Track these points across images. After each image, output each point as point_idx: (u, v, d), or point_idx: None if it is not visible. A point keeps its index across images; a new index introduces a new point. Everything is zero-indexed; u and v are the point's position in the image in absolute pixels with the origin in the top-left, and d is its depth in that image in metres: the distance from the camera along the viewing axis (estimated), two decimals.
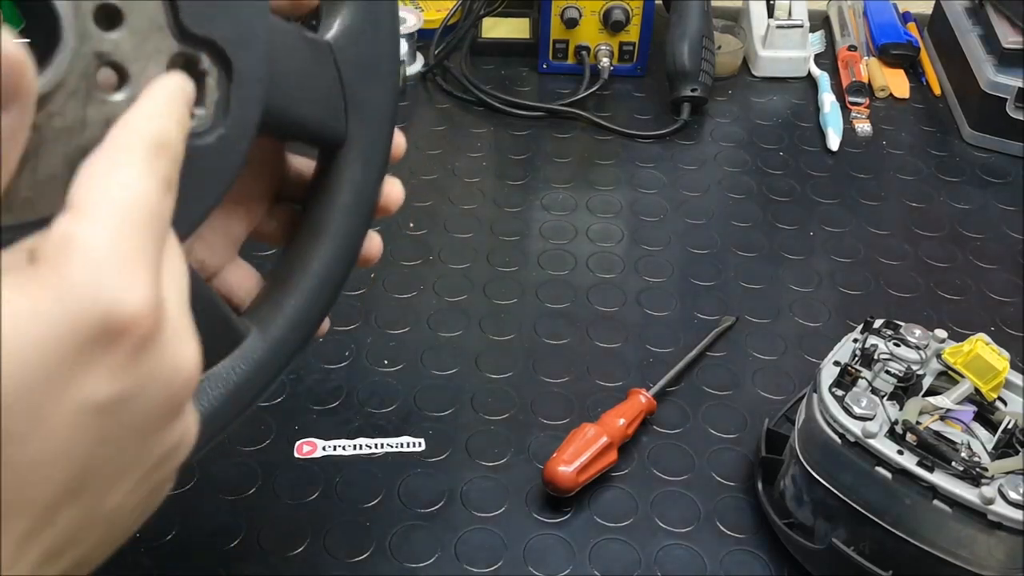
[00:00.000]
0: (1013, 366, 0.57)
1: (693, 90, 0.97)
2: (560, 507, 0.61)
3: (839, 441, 0.54)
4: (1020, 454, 0.53)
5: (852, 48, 1.09)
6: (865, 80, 1.04)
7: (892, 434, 0.53)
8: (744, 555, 0.59)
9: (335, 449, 0.64)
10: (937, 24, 1.08)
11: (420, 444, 0.65)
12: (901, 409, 0.54)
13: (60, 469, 0.26)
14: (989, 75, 0.94)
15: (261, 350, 0.39)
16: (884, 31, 1.10)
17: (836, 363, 0.57)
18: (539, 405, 0.68)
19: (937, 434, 0.54)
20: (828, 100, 1.00)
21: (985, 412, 0.56)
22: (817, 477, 0.55)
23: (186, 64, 0.32)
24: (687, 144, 0.96)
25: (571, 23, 1.00)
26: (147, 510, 0.33)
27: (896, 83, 1.05)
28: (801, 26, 1.06)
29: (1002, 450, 0.54)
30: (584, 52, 1.03)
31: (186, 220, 0.32)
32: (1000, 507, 0.49)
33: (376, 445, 0.65)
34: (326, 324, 0.44)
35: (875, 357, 0.57)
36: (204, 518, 0.60)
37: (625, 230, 0.85)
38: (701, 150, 0.96)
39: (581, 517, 0.61)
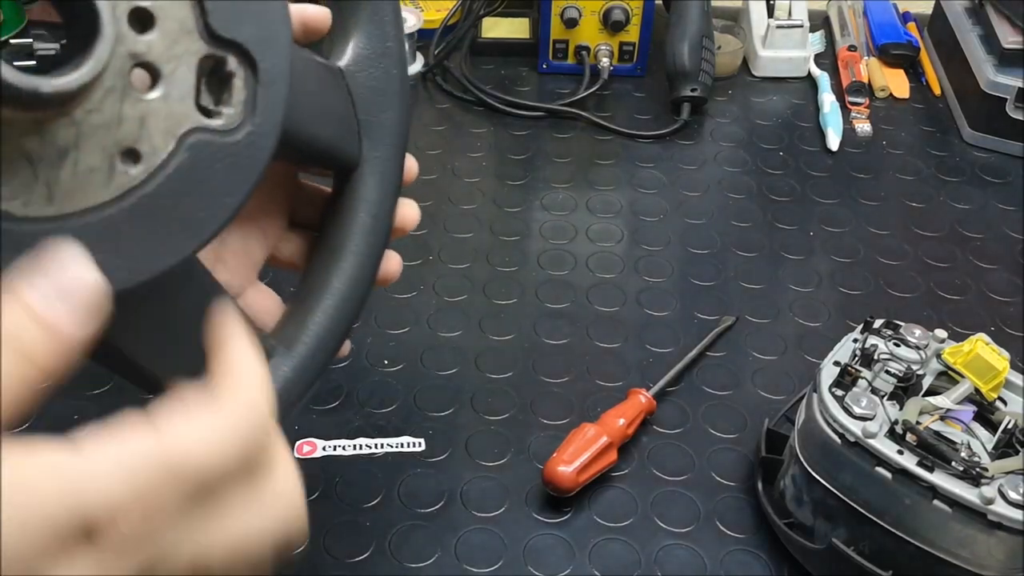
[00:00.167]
0: (1013, 366, 0.57)
1: (693, 90, 0.97)
2: (560, 507, 0.61)
3: (839, 441, 0.54)
4: (1020, 454, 0.53)
5: (852, 48, 1.09)
6: (865, 80, 1.04)
7: (892, 434, 0.53)
8: (744, 555, 0.59)
9: (335, 449, 0.64)
10: (937, 24, 1.08)
11: (420, 444, 0.65)
12: (901, 409, 0.54)
13: None
14: (989, 75, 0.94)
15: (287, 369, 0.40)
16: (884, 31, 1.10)
17: (836, 363, 0.57)
18: (539, 405, 0.68)
19: (937, 434, 0.54)
20: (828, 100, 1.00)
21: (985, 412, 0.56)
22: (817, 477, 0.55)
23: (214, 65, 0.34)
24: (687, 144, 0.96)
25: (571, 23, 1.00)
26: None
27: (896, 83, 1.05)
28: (801, 26, 1.06)
29: (1002, 450, 0.54)
30: (584, 52, 1.03)
31: (220, 215, 0.34)
32: (1000, 507, 0.49)
33: (376, 445, 0.65)
34: (347, 345, 0.45)
35: (875, 357, 0.57)
36: None
37: (625, 230, 0.85)
38: (701, 150, 0.96)
39: (581, 517, 0.61)
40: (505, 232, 0.84)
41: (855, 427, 0.53)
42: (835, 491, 0.54)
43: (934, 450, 0.51)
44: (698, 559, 0.59)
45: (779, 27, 1.05)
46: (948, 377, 0.58)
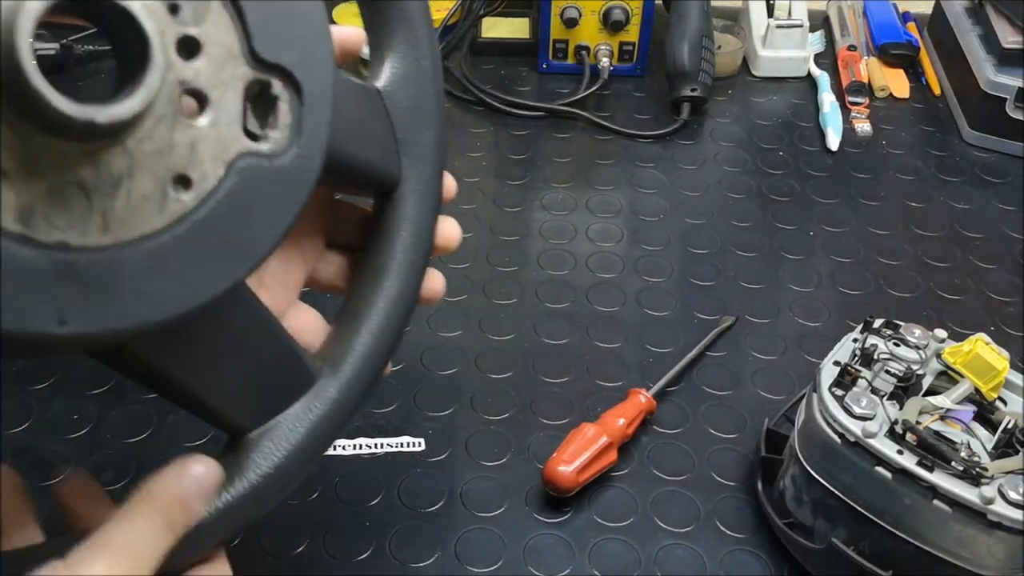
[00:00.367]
0: (1013, 366, 0.57)
1: (693, 90, 0.98)
2: (560, 507, 0.61)
3: (839, 441, 0.54)
4: (1020, 454, 0.53)
5: (852, 48, 1.09)
6: (865, 80, 1.04)
7: (892, 434, 0.53)
8: (744, 555, 0.59)
9: (335, 449, 0.64)
10: (937, 24, 1.08)
11: (420, 444, 0.65)
12: (901, 409, 0.54)
13: None
14: (989, 75, 0.94)
15: (334, 389, 0.41)
16: (884, 31, 1.10)
17: (836, 363, 0.57)
18: (539, 405, 0.68)
19: (937, 434, 0.54)
20: (828, 100, 1.00)
21: (985, 412, 0.56)
22: (817, 477, 0.55)
23: (260, 89, 0.34)
24: (687, 144, 0.96)
25: (571, 23, 1.00)
26: None
27: (896, 83, 1.05)
28: (801, 26, 1.06)
29: (1002, 450, 0.54)
30: (584, 52, 1.03)
31: (270, 238, 0.34)
32: (1000, 507, 0.49)
33: (376, 445, 0.65)
34: (388, 365, 0.45)
35: (875, 357, 0.57)
36: None
37: (625, 230, 0.85)
38: (701, 150, 0.96)
39: (581, 517, 0.61)
40: (505, 232, 0.84)
41: (855, 427, 0.53)
42: (835, 491, 0.54)
43: (934, 450, 0.51)
44: (698, 559, 0.59)
45: (779, 27, 1.05)
46: (948, 377, 0.58)
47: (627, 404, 0.65)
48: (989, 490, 0.49)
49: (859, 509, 0.53)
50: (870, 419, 0.53)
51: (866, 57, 1.08)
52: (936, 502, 0.51)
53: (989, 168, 0.94)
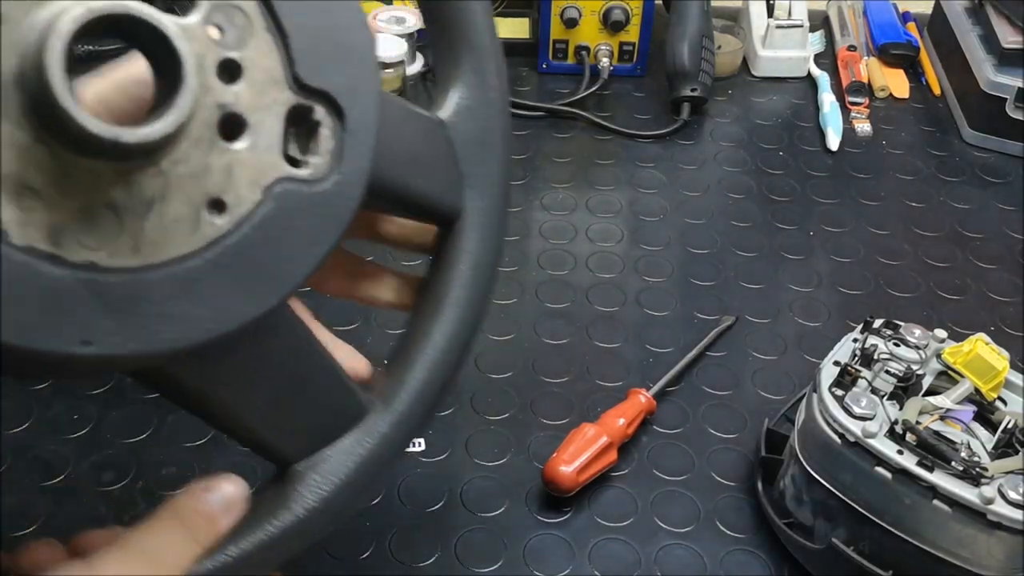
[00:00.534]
0: (1013, 366, 0.57)
1: (693, 90, 0.98)
2: (560, 507, 0.61)
3: (839, 441, 0.54)
4: (1020, 454, 0.53)
5: (852, 48, 1.09)
6: (865, 80, 1.04)
7: (892, 434, 0.53)
8: (744, 555, 0.59)
9: None
10: (937, 24, 1.08)
11: (420, 444, 0.65)
12: (901, 409, 0.54)
13: None
14: (989, 75, 0.94)
15: (386, 425, 0.39)
16: (884, 31, 1.10)
17: (836, 363, 0.57)
18: (539, 405, 0.68)
19: (937, 434, 0.54)
20: (828, 100, 1.00)
21: (985, 412, 0.56)
22: (817, 477, 0.55)
23: (302, 115, 0.33)
24: (687, 144, 0.96)
25: (571, 23, 1.00)
26: None
27: (896, 83, 1.05)
28: (801, 26, 1.06)
29: (1002, 450, 0.54)
30: (584, 52, 1.03)
31: (306, 265, 0.34)
32: (1000, 507, 0.49)
33: None
34: None
35: (875, 357, 0.57)
36: None
37: (625, 230, 0.85)
38: (701, 150, 0.96)
39: (581, 517, 0.61)
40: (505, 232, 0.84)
41: (855, 427, 0.53)
42: (835, 491, 0.54)
43: (934, 450, 0.51)
44: (698, 559, 0.59)
45: (779, 27, 1.05)
46: (948, 377, 0.58)
47: (627, 404, 0.65)
48: (989, 490, 0.49)
49: (859, 509, 0.53)
50: (870, 419, 0.53)
51: (866, 57, 1.08)
52: (936, 502, 0.51)
53: (989, 168, 0.94)
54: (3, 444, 0.63)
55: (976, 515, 0.50)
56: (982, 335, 0.57)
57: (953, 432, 0.55)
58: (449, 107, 0.43)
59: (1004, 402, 0.57)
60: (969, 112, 0.98)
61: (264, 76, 0.32)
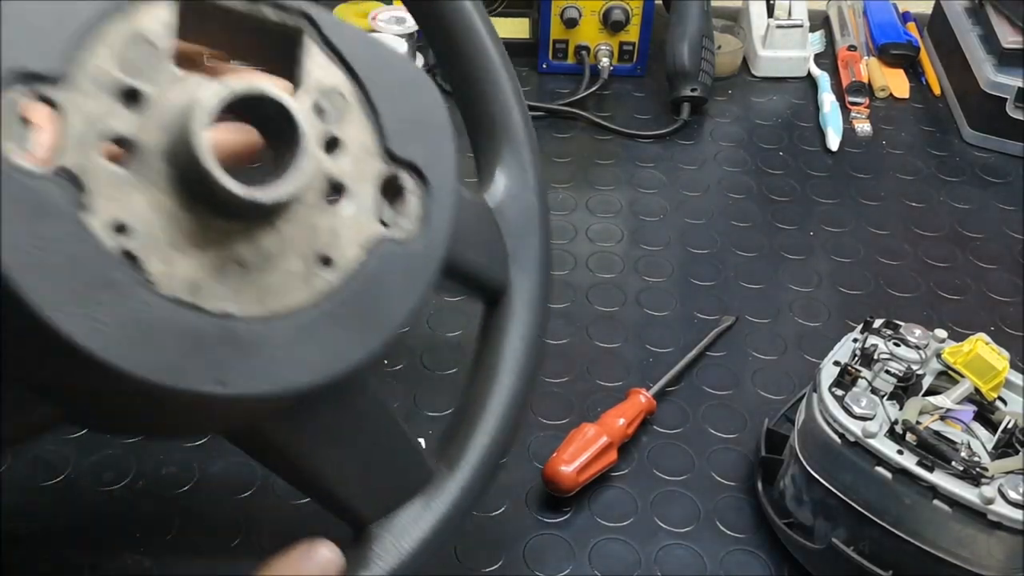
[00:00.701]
0: (1013, 366, 0.57)
1: (693, 90, 0.98)
2: (560, 507, 0.61)
3: (839, 441, 0.54)
4: (1020, 454, 0.53)
5: (852, 48, 1.09)
6: (865, 80, 1.04)
7: (892, 434, 0.53)
8: (744, 555, 0.59)
9: None
10: (937, 24, 1.08)
11: (421, 443, 0.65)
12: (901, 409, 0.54)
13: None
14: (989, 75, 0.94)
15: (453, 488, 0.43)
16: (884, 31, 1.10)
17: (836, 363, 0.57)
18: (539, 405, 0.68)
19: (937, 434, 0.54)
20: (828, 100, 1.00)
21: (985, 412, 0.56)
22: (817, 477, 0.55)
23: (392, 182, 0.38)
24: (687, 144, 0.96)
25: (571, 23, 1.00)
26: None
27: (896, 83, 1.05)
28: (801, 26, 1.06)
29: (1002, 450, 0.54)
30: (584, 52, 1.03)
31: (400, 316, 0.37)
32: (1000, 507, 0.49)
33: None
34: None
35: (875, 357, 0.57)
36: (204, 518, 0.60)
37: (625, 230, 0.85)
38: (701, 150, 0.96)
39: (581, 517, 0.61)
40: None
41: (855, 427, 0.53)
42: (835, 491, 0.54)
43: (934, 450, 0.51)
44: (698, 559, 0.59)
45: (779, 27, 1.05)
46: (948, 377, 0.58)
47: (627, 404, 0.65)
48: (989, 490, 0.49)
49: (859, 509, 0.53)
50: (870, 419, 0.53)
51: (866, 57, 1.08)
52: (936, 502, 0.51)
53: (989, 168, 0.94)
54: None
55: (976, 515, 0.50)
56: (982, 335, 0.57)
57: (953, 432, 0.55)
58: (492, 191, 0.48)
59: (1004, 402, 0.57)
60: (969, 112, 0.98)
61: (360, 148, 0.37)
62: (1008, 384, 0.57)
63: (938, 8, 1.08)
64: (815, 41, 1.11)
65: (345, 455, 0.40)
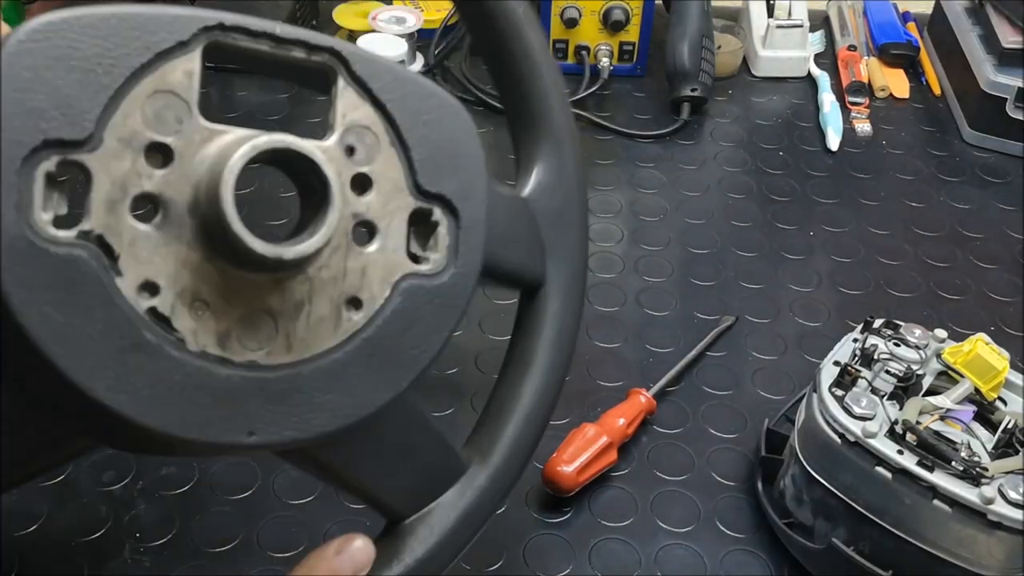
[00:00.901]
0: (1013, 366, 0.57)
1: (693, 90, 0.98)
2: (560, 507, 0.61)
3: (839, 441, 0.54)
4: (1020, 454, 0.53)
5: (852, 48, 1.09)
6: (865, 80, 1.04)
7: (892, 434, 0.53)
8: (744, 555, 0.59)
9: None
10: (937, 24, 1.08)
11: None
12: (901, 409, 0.54)
13: None
14: (989, 75, 0.94)
15: (484, 478, 0.44)
16: (884, 31, 1.10)
17: (836, 363, 0.57)
18: None
19: (937, 434, 0.54)
20: (828, 100, 1.00)
21: (985, 412, 0.56)
22: (817, 477, 0.55)
23: (421, 216, 0.38)
24: (687, 144, 0.96)
25: (571, 23, 1.00)
26: None
27: (896, 83, 1.05)
28: (801, 26, 1.06)
29: (1002, 450, 0.54)
30: (584, 52, 1.03)
31: (430, 351, 0.38)
32: (1000, 507, 0.49)
33: None
34: None
35: (875, 357, 0.57)
36: (204, 518, 0.60)
37: (625, 230, 0.85)
38: (701, 150, 0.96)
39: (581, 517, 0.61)
40: None
41: (855, 427, 0.53)
42: (835, 491, 0.54)
43: (934, 450, 0.51)
44: (698, 559, 0.59)
45: (779, 27, 1.05)
46: (948, 377, 0.58)
47: (627, 404, 0.65)
48: (989, 490, 0.49)
49: (859, 509, 0.53)
50: (870, 419, 0.53)
51: (866, 57, 1.08)
52: (936, 502, 0.51)
53: (989, 168, 0.94)
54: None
55: (976, 515, 0.50)
56: (982, 335, 0.57)
57: (953, 432, 0.55)
58: (531, 184, 0.47)
59: (1004, 402, 0.57)
60: (969, 112, 0.98)
61: (390, 186, 0.37)
62: (1008, 384, 0.57)
63: (938, 8, 1.08)
64: (815, 41, 1.10)
65: (382, 464, 0.40)
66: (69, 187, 0.31)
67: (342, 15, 1.05)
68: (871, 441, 0.52)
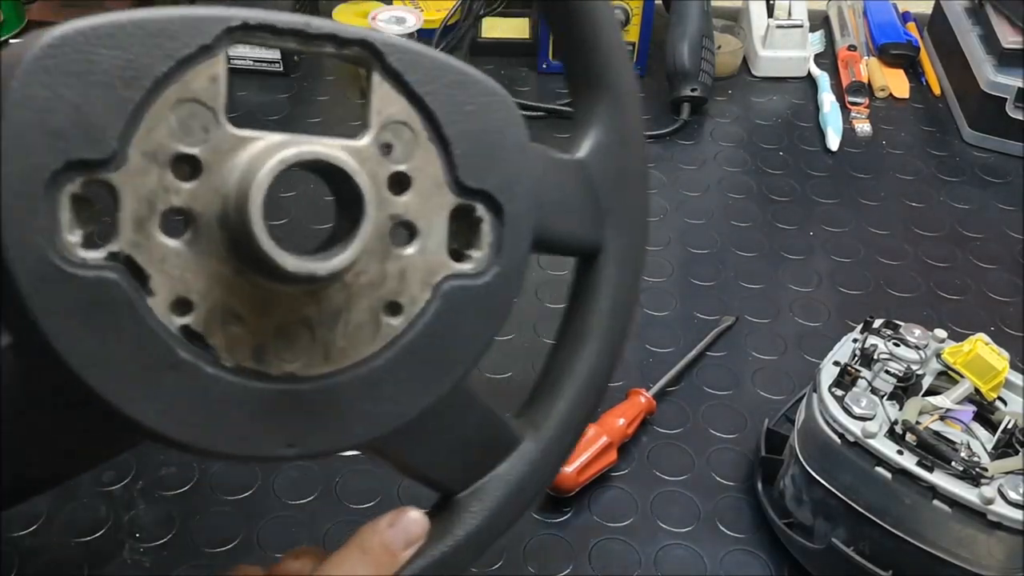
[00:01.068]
0: (1013, 366, 0.57)
1: (693, 90, 0.98)
2: (560, 507, 0.61)
3: (839, 441, 0.54)
4: (1020, 454, 0.53)
5: (852, 48, 1.09)
6: (865, 80, 1.04)
7: (892, 434, 0.53)
8: (744, 555, 0.59)
9: None
10: (937, 24, 1.08)
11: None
12: (901, 409, 0.54)
13: None
14: (989, 75, 0.94)
15: (536, 452, 0.42)
16: (884, 31, 1.10)
17: (836, 363, 0.57)
18: None
19: (937, 434, 0.54)
20: (828, 100, 1.00)
21: (985, 412, 0.56)
22: (817, 477, 0.55)
23: (463, 213, 0.36)
24: (687, 144, 0.96)
25: None
26: None
27: (896, 83, 1.05)
28: (801, 26, 1.06)
29: (1002, 450, 0.54)
30: None
31: (472, 353, 0.37)
32: (1000, 507, 0.49)
33: None
34: None
35: (875, 357, 0.57)
36: (204, 518, 0.60)
37: None
38: (701, 150, 0.96)
39: (581, 517, 0.61)
40: None
41: (855, 427, 0.53)
42: (835, 491, 0.54)
43: (934, 450, 0.51)
44: (698, 559, 0.59)
45: (779, 27, 1.05)
46: (948, 377, 0.58)
47: (627, 404, 0.65)
48: (989, 490, 0.49)
49: (859, 509, 0.53)
50: (870, 419, 0.53)
51: (866, 57, 1.08)
52: (936, 502, 0.51)
53: (989, 168, 0.94)
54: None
55: (976, 515, 0.50)
56: (982, 335, 0.57)
57: (953, 432, 0.55)
58: (587, 147, 0.44)
59: (1004, 402, 0.57)
60: (969, 112, 0.98)
61: (430, 183, 0.35)
62: (1008, 384, 0.57)
63: (938, 8, 1.08)
64: (815, 41, 1.11)
65: (431, 447, 0.39)
66: (99, 200, 0.30)
67: (342, 15, 1.05)
68: (871, 441, 0.52)
